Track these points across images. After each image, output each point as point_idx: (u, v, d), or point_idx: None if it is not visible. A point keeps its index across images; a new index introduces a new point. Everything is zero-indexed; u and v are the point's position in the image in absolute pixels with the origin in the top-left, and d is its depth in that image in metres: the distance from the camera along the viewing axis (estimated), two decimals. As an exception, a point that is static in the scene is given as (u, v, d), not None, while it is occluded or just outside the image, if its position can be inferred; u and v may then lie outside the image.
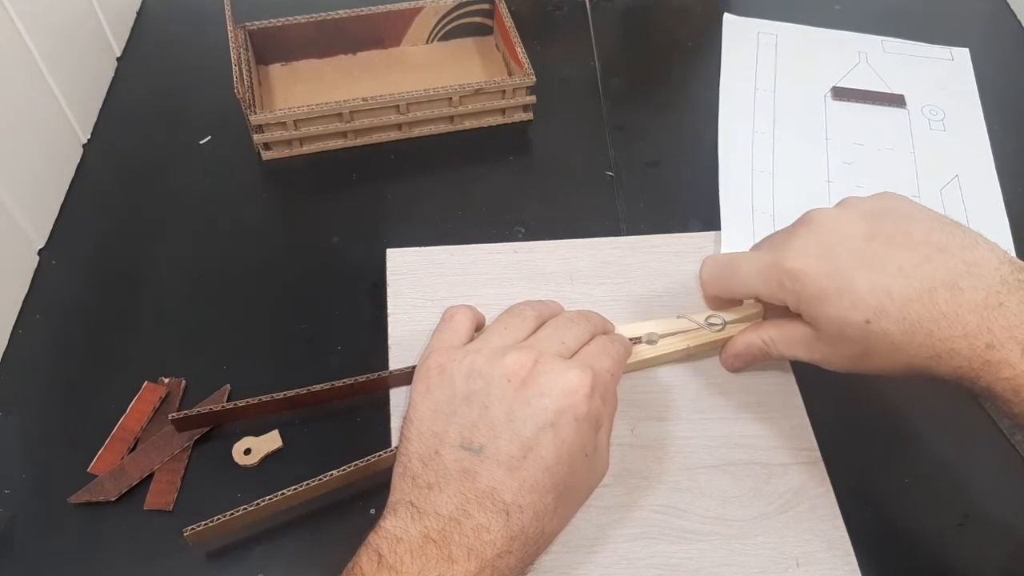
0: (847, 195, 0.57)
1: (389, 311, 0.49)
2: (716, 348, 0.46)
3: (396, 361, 0.46)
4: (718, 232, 0.53)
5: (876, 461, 0.44)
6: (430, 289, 0.49)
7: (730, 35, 0.69)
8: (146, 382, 0.46)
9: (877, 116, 0.63)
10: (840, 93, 0.64)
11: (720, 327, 0.45)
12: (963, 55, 0.68)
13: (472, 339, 0.40)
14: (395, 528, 0.33)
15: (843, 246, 0.38)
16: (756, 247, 0.44)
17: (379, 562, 0.32)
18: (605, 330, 0.42)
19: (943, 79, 0.66)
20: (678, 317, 0.46)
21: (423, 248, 0.52)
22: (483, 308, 0.43)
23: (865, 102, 0.64)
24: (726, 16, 0.70)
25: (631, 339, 0.44)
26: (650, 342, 0.44)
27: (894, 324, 0.35)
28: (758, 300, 0.45)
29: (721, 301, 0.46)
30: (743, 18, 0.70)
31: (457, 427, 0.35)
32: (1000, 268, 0.35)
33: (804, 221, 0.40)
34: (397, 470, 0.36)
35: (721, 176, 0.58)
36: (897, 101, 0.64)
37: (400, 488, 0.35)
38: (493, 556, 0.32)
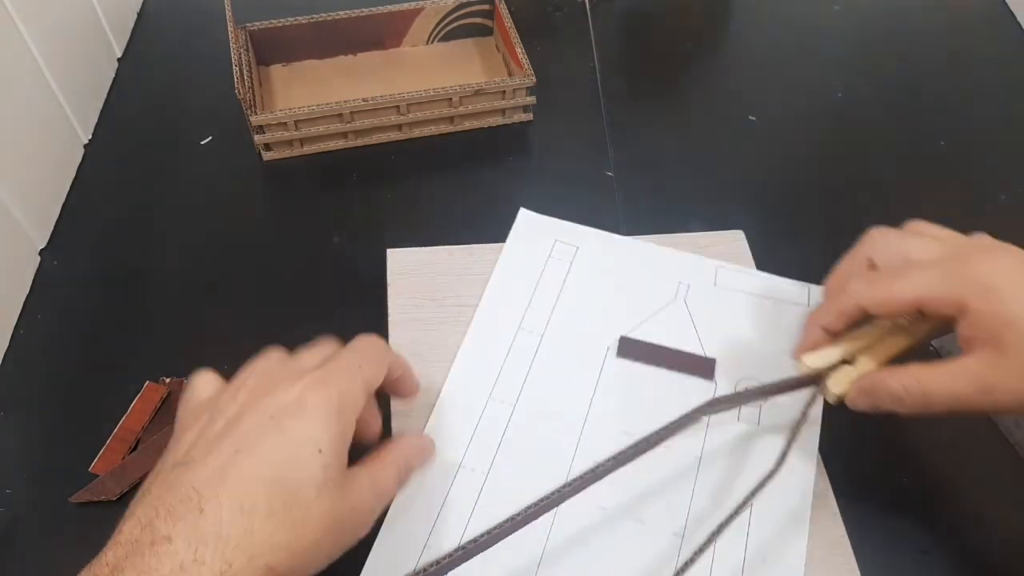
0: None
1: (389, 311, 0.49)
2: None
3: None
4: (718, 232, 0.53)
5: (876, 461, 0.44)
6: (430, 289, 0.50)
7: (519, 234, 0.52)
8: (147, 382, 0.46)
9: (668, 385, 0.45)
10: (628, 348, 0.46)
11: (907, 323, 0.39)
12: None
13: None
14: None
15: None
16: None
17: None
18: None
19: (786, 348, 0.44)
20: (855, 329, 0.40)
21: (423, 248, 0.52)
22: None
23: (658, 365, 0.46)
24: (521, 211, 0.53)
25: (817, 370, 0.39)
26: (848, 362, 0.39)
27: None
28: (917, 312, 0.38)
29: (850, 316, 0.39)
30: (542, 216, 0.53)
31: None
32: None
33: (981, 248, 0.38)
34: None
35: (446, 394, 0.45)
36: (705, 369, 0.46)
37: None
38: None
